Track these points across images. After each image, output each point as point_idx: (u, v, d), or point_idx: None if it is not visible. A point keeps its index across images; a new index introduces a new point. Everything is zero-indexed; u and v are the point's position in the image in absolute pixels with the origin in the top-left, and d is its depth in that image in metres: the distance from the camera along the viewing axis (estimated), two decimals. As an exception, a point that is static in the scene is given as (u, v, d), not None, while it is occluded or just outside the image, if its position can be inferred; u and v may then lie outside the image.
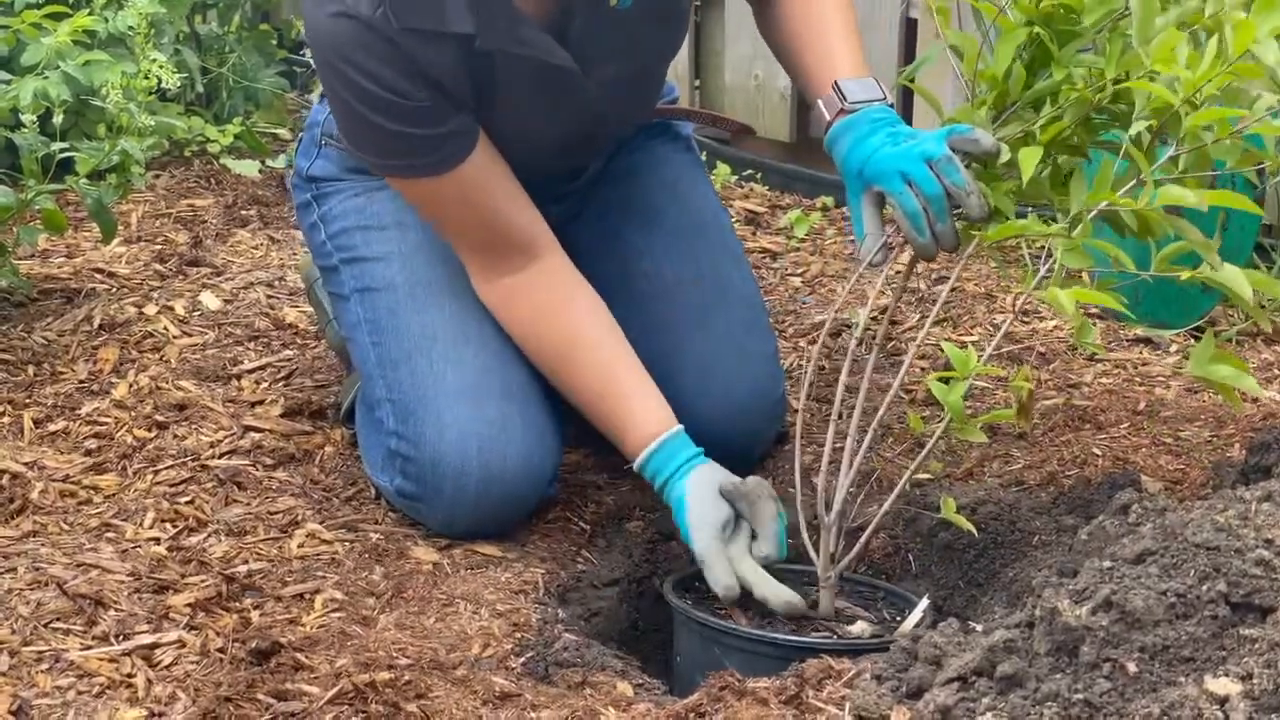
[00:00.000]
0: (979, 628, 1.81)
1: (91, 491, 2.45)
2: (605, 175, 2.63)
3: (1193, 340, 2.95)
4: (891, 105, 2.21)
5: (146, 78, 2.95)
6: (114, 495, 2.44)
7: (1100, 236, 1.94)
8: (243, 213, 3.65)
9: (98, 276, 3.20)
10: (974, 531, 2.14)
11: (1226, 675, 1.53)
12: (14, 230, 2.97)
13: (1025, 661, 1.63)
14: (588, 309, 2.36)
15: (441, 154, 2.26)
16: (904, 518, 2.38)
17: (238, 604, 2.16)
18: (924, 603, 2.10)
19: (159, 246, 3.38)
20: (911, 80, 2.21)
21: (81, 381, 2.77)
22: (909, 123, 2.26)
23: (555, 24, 2.28)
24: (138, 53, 3.03)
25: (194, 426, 2.63)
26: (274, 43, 4.45)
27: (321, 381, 2.81)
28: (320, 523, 2.40)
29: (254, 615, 2.14)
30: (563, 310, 2.35)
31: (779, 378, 2.59)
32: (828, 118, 2.21)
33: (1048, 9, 2.00)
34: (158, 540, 2.32)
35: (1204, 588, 1.60)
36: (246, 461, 2.54)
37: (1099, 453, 2.53)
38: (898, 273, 2.33)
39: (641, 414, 2.30)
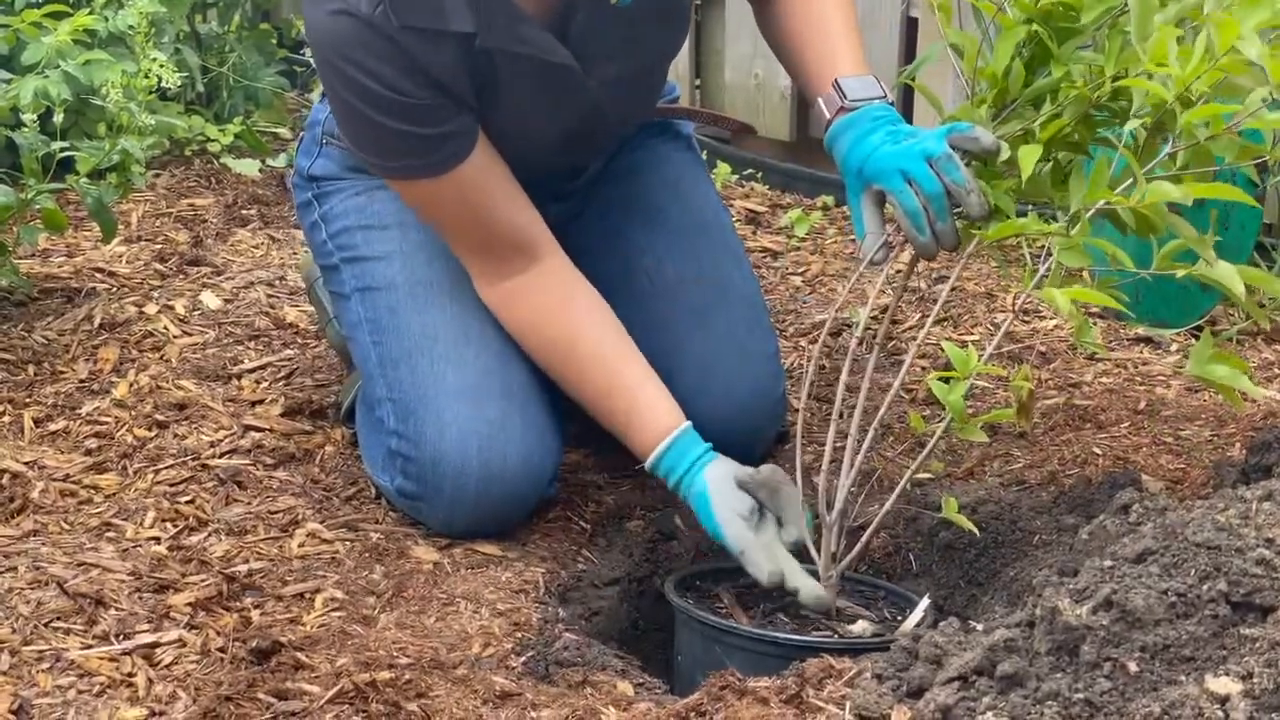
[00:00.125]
0: (979, 627, 1.81)
1: (92, 491, 2.45)
2: (606, 174, 2.63)
3: (1193, 339, 2.94)
4: (891, 103, 2.20)
5: (147, 77, 2.95)
6: (114, 495, 2.44)
7: (1103, 234, 1.94)
8: (243, 212, 3.65)
9: (98, 276, 3.20)
10: (975, 531, 2.13)
11: (1227, 674, 1.53)
12: (14, 229, 2.97)
13: (1026, 661, 1.63)
14: (588, 308, 2.36)
15: (441, 154, 2.25)
16: (905, 517, 2.38)
17: (238, 603, 2.16)
18: (925, 602, 2.10)
19: (159, 246, 3.38)
20: (912, 79, 2.21)
21: (82, 381, 2.77)
22: (909, 121, 2.25)
23: (556, 22, 2.27)
24: (138, 52, 3.02)
25: (194, 426, 2.63)
26: (274, 42, 4.44)
27: (322, 381, 2.81)
28: (321, 522, 2.40)
29: (254, 614, 2.14)
30: (563, 310, 2.35)
31: (780, 377, 2.59)
32: (828, 116, 2.21)
33: (1047, 7, 2.00)
34: (158, 540, 2.32)
35: (1205, 587, 1.60)
36: (247, 461, 2.54)
37: (1099, 452, 2.53)
38: (898, 272, 2.32)
39: (650, 412, 2.29)
